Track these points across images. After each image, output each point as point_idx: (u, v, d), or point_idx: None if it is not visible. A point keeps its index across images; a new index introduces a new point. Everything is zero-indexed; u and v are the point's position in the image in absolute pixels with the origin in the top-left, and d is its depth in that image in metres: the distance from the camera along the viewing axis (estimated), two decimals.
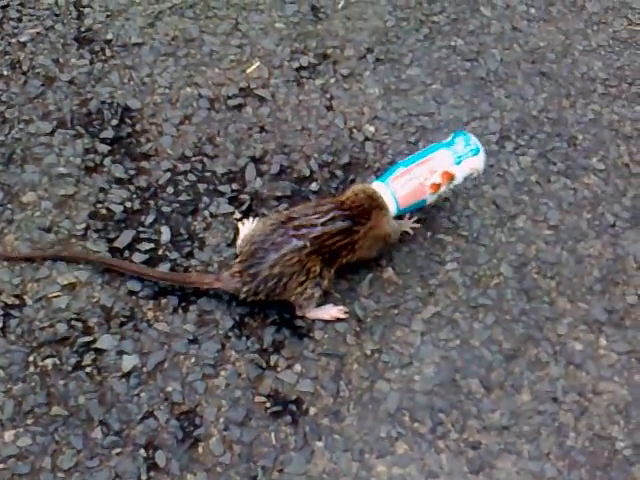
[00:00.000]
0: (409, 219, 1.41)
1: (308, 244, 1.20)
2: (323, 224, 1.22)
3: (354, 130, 1.55)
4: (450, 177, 1.31)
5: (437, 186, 1.31)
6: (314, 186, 1.44)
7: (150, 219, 1.35)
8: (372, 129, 1.56)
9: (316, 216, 1.23)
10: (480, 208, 1.46)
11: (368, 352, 1.25)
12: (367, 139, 1.54)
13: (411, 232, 1.40)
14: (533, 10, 1.83)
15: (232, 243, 1.33)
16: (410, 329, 1.28)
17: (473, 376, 1.25)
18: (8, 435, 1.10)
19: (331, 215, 1.23)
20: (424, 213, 1.43)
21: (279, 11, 1.75)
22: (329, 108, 1.58)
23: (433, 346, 1.27)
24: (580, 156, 1.56)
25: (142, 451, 1.11)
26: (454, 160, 1.31)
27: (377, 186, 1.30)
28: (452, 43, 1.75)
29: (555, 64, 1.72)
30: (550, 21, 1.82)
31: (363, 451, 1.14)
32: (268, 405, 1.17)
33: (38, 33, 1.62)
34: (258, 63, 1.64)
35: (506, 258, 1.40)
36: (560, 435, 1.19)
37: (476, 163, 1.33)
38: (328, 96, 1.60)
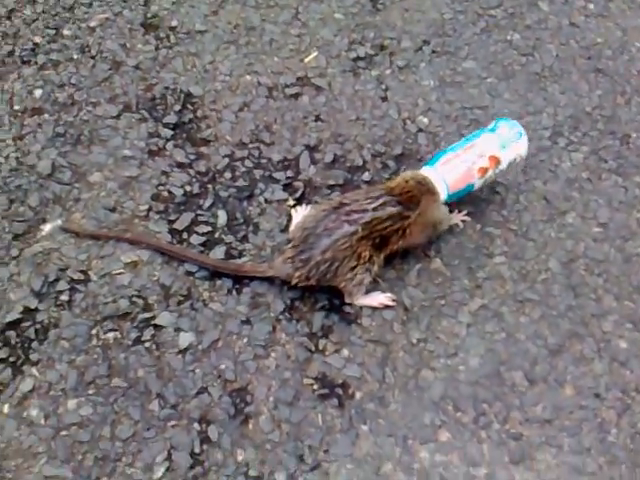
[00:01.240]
0: (459, 212, 1.40)
1: (359, 229, 1.21)
2: (374, 209, 1.23)
3: (407, 121, 1.55)
4: (497, 161, 1.31)
5: (484, 170, 1.30)
6: (366, 176, 1.44)
7: (208, 203, 1.37)
8: (426, 120, 1.55)
9: (367, 202, 1.23)
10: (530, 203, 1.45)
11: (414, 341, 1.25)
12: (420, 130, 1.53)
13: (461, 225, 1.39)
14: (591, 6, 1.79)
15: (285, 229, 1.34)
16: (456, 320, 1.28)
17: (517, 369, 1.24)
18: (71, 404, 1.14)
19: (382, 201, 1.24)
20: (474, 206, 1.42)
21: (338, 1, 1.75)
22: (384, 99, 1.58)
23: (479, 338, 1.27)
24: (632, 154, 1.53)
25: (196, 425, 1.14)
26: (499, 144, 1.32)
27: (426, 171, 1.30)
28: (508, 37, 1.72)
29: (611, 61, 1.68)
30: (608, 17, 1.77)
31: (406, 437, 1.15)
32: (315, 387, 1.19)
33: (107, 18, 1.65)
34: (316, 53, 1.64)
35: (554, 254, 1.38)
36: (602, 431, 1.18)
37: (520, 148, 1.34)
38: (383, 87, 1.60)
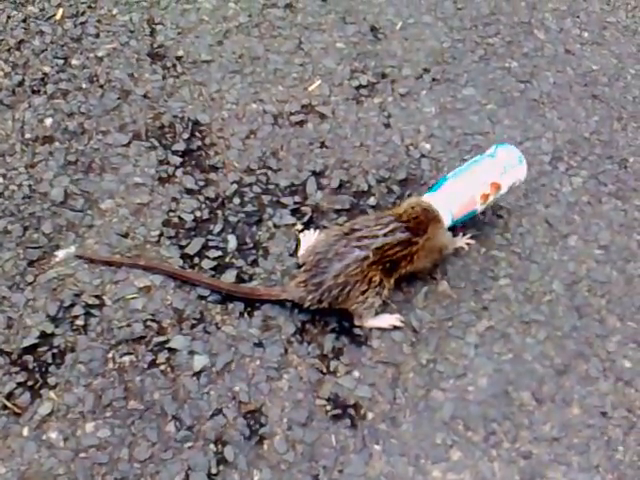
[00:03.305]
0: (463, 235, 1.46)
1: (370, 254, 1.27)
2: (384, 235, 1.29)
3: (410, 147, 1.61)
4: (497, 187, 1.38)
5: (486, 196, 1.37)
6: (372, 200, 1.50)
7: (218, 228, 1.43)
8: (428, 146, 1.62)
9: (378, 228, 1.29)
10: (533, 226, 1.51)
11: (423, 362, 1.30)
12: (423, 156, 1.60)
13: (466, 247, 1.45)
14: (586, 34, 1.88)
15: (294, 253, 1.39)
16: (464, 341, 1.34)
17: (525, 389, 1.30)
18: (89, 426, 1.18)
19: (391, 227, 1.30)
20: (478, 230, 1.49)
21: (340, 31, 1.83)
22: (387, 125, 1.64)
23: (487, 358, 1.32)
24: (631, 178, 1.60)
25: (212, 446, 1.18)
26: (500, 170, 1.38)
27: (430, 198, 1.36)
28: (506, 65, 1.80)
29: (607, 87, 1.77)
30: (603, 45, 1.86)
31: (419, 456, 1.20)
32: (328, 408, 1.24)
33: (114, 48, 1.72)
34: (320, 81, 1.71)
35: (558, 276, 1.44)
36: (609, 449, 1.23)
37: (519, 173, 1.41)
38: (386, 114, 1.67)
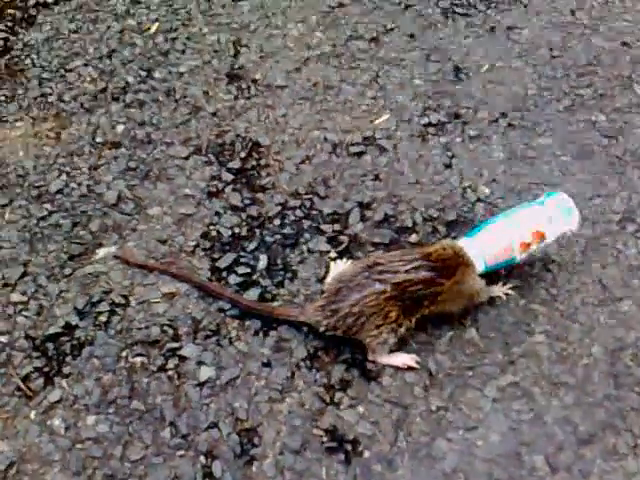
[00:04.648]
0: (503, 285, 1.42)
1: (388, 288, 1.26)
2: (406, 272, 1.28)
3: (468, 190, 1.59)
4: (541, 236, 1.33)
5: (527, 245, 1.33)
6: (414, 237, 1.50)
7: (252, 246, 1.47)
8: (487, 191, 1.59)
9: (401, 263, 1.29)
10: (584, 285, 1.45)
11: (434, 408, 1.27)
12: (479, 200, 1.57)
13: (503, 297, 1.41)
14: None
15: (322, 279, 1.41)
16: (482, 393, 1.29)
17: (540, 453, 1.23)
18: (90, 419, 1.24)
19: (416, 264, 1.29)
20: (522, 280, 1.44)
21: (421, 68, 1.84)
22: (448, 166, 1.63)
23: (503, 415, 1.27)
24: None
25: (202, 458, 1.20)
26: (546, 219, 1.33)
27: (465, 243, 1.33)
28: (593, 118, 1.75)
29: None
30: None
31: None
32: (325, 439, 1.23)
33: (196, 66, 1.82)
34: (388, 115, 1.73)
35: (601, 339, 1.37)
36: None
37: (568, 224, 1.35)
38: (449, 154, 1.66)
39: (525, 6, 2.00)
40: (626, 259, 1.49)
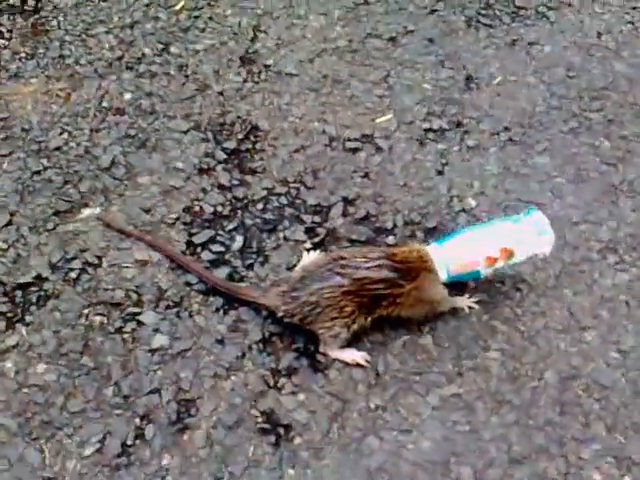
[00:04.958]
0: (469, 297, 1.43)
1: (346, 283, 1.29)
2: (368, 269, 1.30)
3: (455, 199, 1.60)
4: (509, 254, 1.33)
5: (494, 260, 1.33)
6: (390, 239, 1.51)
7: (231, 226, 1.51)
8: (473, 203, 1.60)
9: (364, 260, 1.31)
10: (551, 309, 1.44)
11: (372, 406, 1.30)
12: (463, 210, 1.58)
13: (466, 310, 1.42)
14: None
15: (292, 267, 1.44)
16: (424, 399, 1.31)
17: (468, 465, 1.25)
18: (40, 367, 1.30)
19: (379, 262, 1.31)
20: (489, 296, 1.45)
21: (433, 73, 1.85)
22: (439, 172, 1.64)
23: (440, 423, 1.29)
24: None
25: (137, 420, 1.25)
26: (517, 237, 1.33)
27: (432, 249, 1.34)
28: (597, 143, 1.73)
29: None
30: None
31: None
32: (260, 420, 1.27)
33: (212, 45, 1.86)
34: (391, 115, 1.75)
35: (556, 366, 1.37)
36: None
37: (541, 246, 1.34)
38: (443, 161, 1.66)
39: (552, 23, 1.98)
40: (599, 289, 1.48)
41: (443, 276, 1.35)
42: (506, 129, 1.75)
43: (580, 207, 1.61)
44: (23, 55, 1.81)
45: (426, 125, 1.74)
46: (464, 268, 1.35)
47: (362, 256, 1.32)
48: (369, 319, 1.34)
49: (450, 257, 1.34)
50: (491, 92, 1.82)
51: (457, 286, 1.43)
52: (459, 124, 1.75)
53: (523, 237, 1.36)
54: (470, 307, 1.43)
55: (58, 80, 1.76)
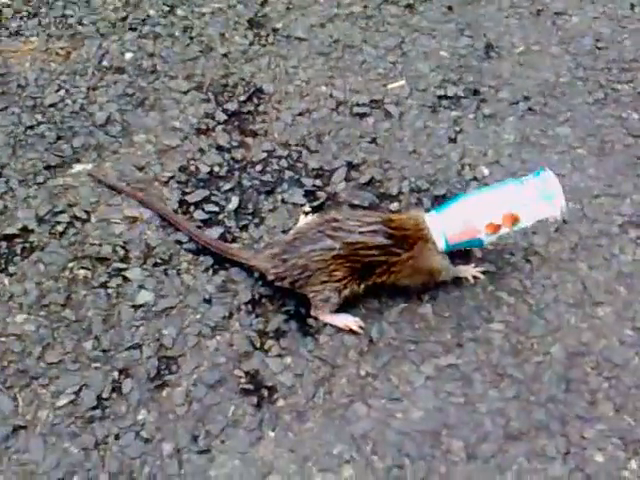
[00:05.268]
0: (474, 267, 1.42)
1: (337, 246, 1.29)
2: (361, 233, 1.30)
3: (467, 167, 1.60)
4: (514, 219, 1.31)
5: (496, 227, 1.31)
6: (395, 206, 1.52)
7: (227, 187, 1.53)
8: (486, 171, 1.59)
9: (358, 224, 1.31)
10: (563, 282, 1.43)
11: (363, 373, 1.30)
12: (475, 179, 1.58)
13: (471, 280, 1.41)
14: None
15: (287, 231, 1.45)
16: (418, 369, 1.31)
17: (460, 438, 1.24)
18: (20, 317, 1.33)
19: (373, 228, 1.31)
20: (496, 267, 1.44)
21: (452, 41, 1.85)
22: (452, 140, 1.64)
23: (433, 394, 1.28)
24: None
25: (115, 374, 1.27)
26: (522, 201, 1.30)
27: (430, 217, 1.33)
28: (624, 115, 1.72)
29: None
30: None
31: (307, 458, 1.20)
32: (243, 381, 1.28)
33: (220, 8, 1.90)
34: (403, 81, 1.75)
35: (564, 340, 1.36)
36: None
37: (549, 210, 1.31)
38: (457, 129, 1.67)
39: None
40: (617, 264, 1.46)
41: (441, 245, 1.33)
42: (526, 98, 1.74)
43: (602, 179, 1.59)
44: (25, 14, 1.87)
45: (440, 92, 1.74)
46: (464, 237, 1.33)
47: (356, 220, 1.32)
48: (362, 286, 1.34)
49: (448, 226, 1.32)
50: (512, 61, 1.82)
51: (462, 255, 1.42)
52: (476, 92, 1.75)
53: (528, 200, 1.32)
54: (475, 277, 1.42)
55: (59, 39, 1.81)
